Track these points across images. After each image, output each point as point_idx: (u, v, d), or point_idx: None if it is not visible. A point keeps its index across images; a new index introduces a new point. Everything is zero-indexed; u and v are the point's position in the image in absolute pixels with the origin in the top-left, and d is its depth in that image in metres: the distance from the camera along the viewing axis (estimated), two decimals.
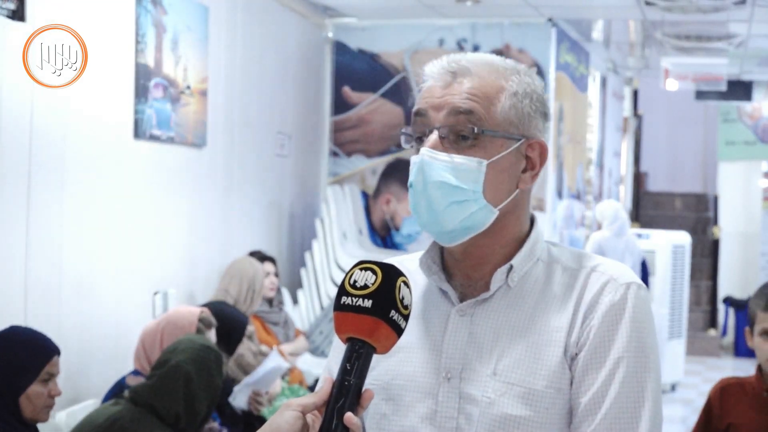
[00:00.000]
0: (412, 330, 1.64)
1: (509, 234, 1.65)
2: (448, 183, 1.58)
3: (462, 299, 1.64)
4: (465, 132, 1.59)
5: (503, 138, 1.60)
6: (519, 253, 1.63)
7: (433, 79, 1.64)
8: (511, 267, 1.62)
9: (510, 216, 1.64)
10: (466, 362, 1.59)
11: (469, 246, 1.63)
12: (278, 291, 5.67)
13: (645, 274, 8.48)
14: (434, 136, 1.60)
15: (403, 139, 1.67)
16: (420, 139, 1.63)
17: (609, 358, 1.55)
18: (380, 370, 1.65)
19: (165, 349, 3.50)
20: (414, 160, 1.62)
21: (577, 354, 1.56)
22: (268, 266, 5.54)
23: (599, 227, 8.24)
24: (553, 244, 1.70)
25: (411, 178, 1.62)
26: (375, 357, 1.66)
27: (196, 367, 3.33)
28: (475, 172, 1.59)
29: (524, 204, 1.67)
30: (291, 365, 5.17)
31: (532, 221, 1.70)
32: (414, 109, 1.65)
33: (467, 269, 1.66)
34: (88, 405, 4.14)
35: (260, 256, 5.54)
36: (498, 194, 1.61)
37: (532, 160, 1.64)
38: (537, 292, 1.62)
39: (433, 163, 1.59)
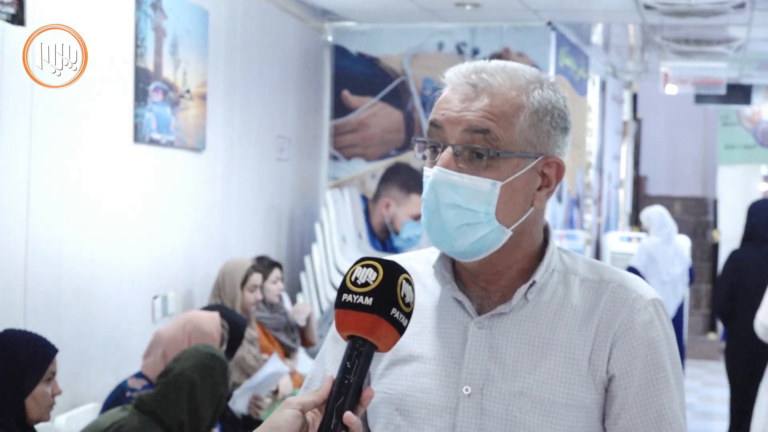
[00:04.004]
0: (426, 339, 1.63)
1: (523, 250, 1.62)
2: (459, 205, 1.55)
3: (479, 311, 1.61)
4: (480, 151, 1.54)
5: (519, 158, 1.56)
6: (539, 269, 1.60)
7: (452, 89, 1.58)
8: (534, 283, 1.59)
9: (523, 234, 1.61)
10: (488, 378, 1.57)
11: (483, 263, 1.60)
12: (280, 298, 5.65)
13: (692, 280, 8.37)
14: (448, 154, 1.55)
15: (416, 147, 1.62)
16: (434, 150, 1.58)
17: (656, 380, 1.56)
18: (393, 378, 1.63)
19: (173, 357, 3.50)
20: (426, 174, 1.58)
21: (614, 375, 1.56)
22: (276, 272, 5.53)
23: (646, 233, 8.18)
24: (564, 252, 1.67)
25: (424, 194, 1.58)
26: (386, 364, 1.64)
27: (200, 375, 3.33)
28: (488, 193, 1.55)
29: (538, 220, 1.64)
30: (291, 369, 5.17)
31: (546, 230, 1.67)
32: (430, 118, 1.60)
33: (482, 282, 1.63)
34: (88, 409, 4.14)
35: (268, 263, 5.52)
36: (511, 215, 1.57)
37: (548, 177, 1.60)
38: (556, 306, 1.60)
39: (445, 183, 1.55)
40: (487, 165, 1.54)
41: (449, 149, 1.55)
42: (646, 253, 7.82)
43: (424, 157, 1.62)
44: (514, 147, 1.55)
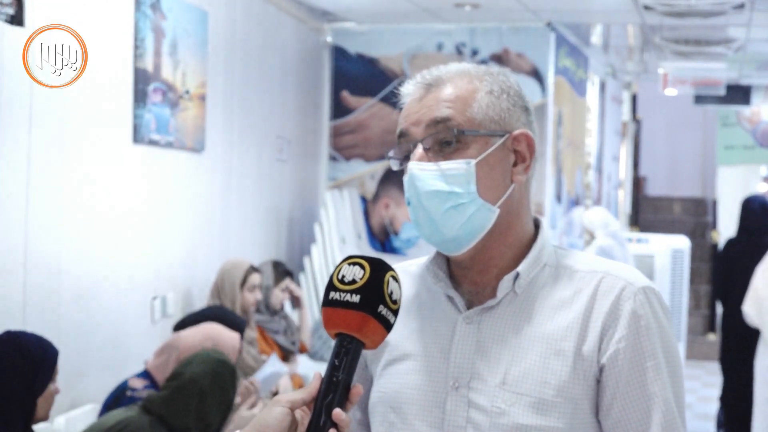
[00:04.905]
0: (419, 338, 1.64)
1: (514, 234, 1.64)
2: (440, 190, 1.58)
3: (469, 306, 1.63)
4: (446, 138, 1.59)
5: (486, 136, 1.60)
6: (526, 260, 1.62)
7: (408, 97, 1.66)
8: (518, 274, 1.61)
9: (512, 215, 1.63)
10: (474, 371, 1.58)
11: (477, 251, 1.62)
12: (282, 304, 5.66)
13: None
14: (419, 150, 1.61)
15: (392, 163, 1.68)
16: (407, 158, 1.64)
17: (646, 369, 1.55)
18: (388, 378, 1.64)
19: (181, 360, 3.52)
20: (405, 177, 1.63)
21: (605, 365, 1.56)
22: (287, 281, 5.54)
23: (590, 236, 8.15)
24: (559, 248, 1.69)
25: (405, 194, 1.63)
26: (383, 365, 1.66)
27: (210, 381, 3.35)
28: (465, 174, 1.58)
29: (524, 201, 1.67)
30: (290, 371, 5.17)
31: (538, 226, 1.69)
32: (397, 132, 1.66)
33: (474, 275, 1.65)
34: (88, 410, 4.14)
35: (282, 270, 5.54)
36: (493, 192, 1.61)
37: (520, 153, 1.64)
38: (544, 299, 1.61)
39: (422, 175, 1.59)
40: (457, 149, 1.60)
41: (419, 145, 1.61)
42: (606, 255, 7.80)
43: (401, 165, 1.66)
44: (478, 126, 1.61)
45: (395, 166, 1.68)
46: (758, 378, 5.94)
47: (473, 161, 1.59)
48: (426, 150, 1.60)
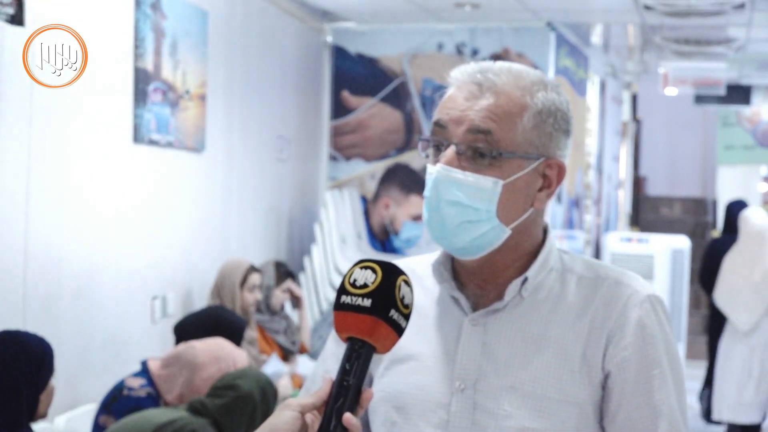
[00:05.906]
0: (423, 338, 1.64)
1: (522, 249, 1.64)
2: (461, 202, 1.57)
3: (474, 308, 1.63)
4: (482, 150, 1.56)
5: (521, 158, 1.58)
6: (534, 265, 1.62)
7: (457, 88, 1.61)
8: (526, 279, 1.61)
9: (523, 235, 1.63)
10: (481, 373, 1.58)
11: (482, 261, 1.62)
12: (282, 305, 5.65)
13: None
14: (451, 152, 1.57)
15: (420, 146, 1.65)
16: (437, 149, 1.60)
17: (652, 376, 1.56)
18: (391, 377, 1.64)
19: (231, 373, 3.63)
20: (430, 172, 1.60)
21: (611, 372, 1.56)
22: (289, 282, 5.54)
23: None
24: (564, 252, 1.69)
25: (426, 192, 1.60)
26: (386, 364, 1.65)
27: (261, 397, 3.54)
28: (490, 191, 1.57)
29: (538, 221, 1.66)
30: (290, 371, 5.17)
31: (545, 231, 1.68)
32: (434, 118, 1.62)
33: (479, 281, 1.64)
34: (87, 410, 4.13)
35: (284, 271, 5.54)
36: (511, 214, 1.59)
37: (549, 178, 1.62)
38: (551, 303, 1.61)
39: (447, 181, 1.57)
40: (490, 164, 1.57)
41: (452, 147, 1.57)
42: None
43: (428, 156, 1.63)
44: (516, 148, 1.57)
45: (422, 150, 1.64)
46: (720, 352, 6.82)
47: (501, 182, 1.57)
48: (458, 154, 1.57)
